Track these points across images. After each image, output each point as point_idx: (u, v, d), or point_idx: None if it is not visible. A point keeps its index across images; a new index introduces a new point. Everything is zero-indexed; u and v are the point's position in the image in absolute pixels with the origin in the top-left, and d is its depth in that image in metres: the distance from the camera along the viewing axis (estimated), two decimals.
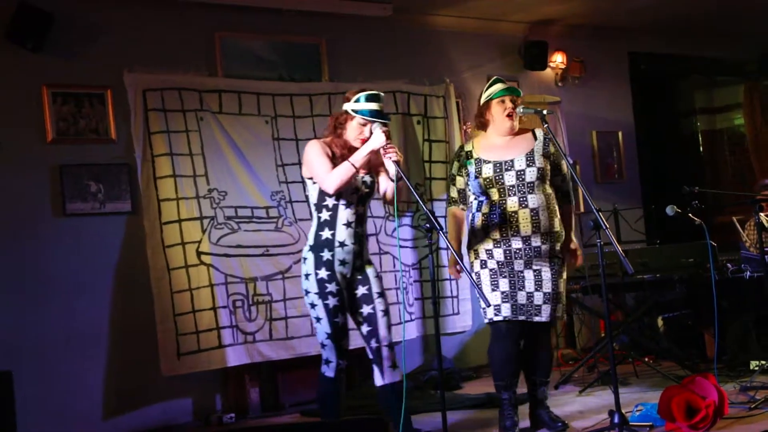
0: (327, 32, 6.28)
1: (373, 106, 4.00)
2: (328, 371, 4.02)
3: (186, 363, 5.39)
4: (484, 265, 4.29)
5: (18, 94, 5.21)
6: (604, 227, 3.95)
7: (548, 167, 4.34)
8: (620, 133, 7.90)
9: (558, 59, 7.41)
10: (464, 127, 6.81)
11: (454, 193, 4.48)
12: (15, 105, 5.20)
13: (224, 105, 5.72)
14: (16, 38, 5.13)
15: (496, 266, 4.26)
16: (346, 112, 4.04)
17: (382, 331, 4.05)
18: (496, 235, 4.26)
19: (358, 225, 4.02)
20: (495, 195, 4.27)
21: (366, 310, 4.06)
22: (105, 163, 5.40)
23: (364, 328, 4.07)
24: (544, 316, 4.30)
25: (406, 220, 6.41)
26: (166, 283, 5.40)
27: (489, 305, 4.20)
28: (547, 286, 4.29)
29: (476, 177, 4.31)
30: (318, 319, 3.99)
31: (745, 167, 8.90)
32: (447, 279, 6.55)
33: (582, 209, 7.24)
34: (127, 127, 5.42)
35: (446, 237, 3.97)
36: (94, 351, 5.29)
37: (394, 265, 6.17)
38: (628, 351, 5.99)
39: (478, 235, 4.32)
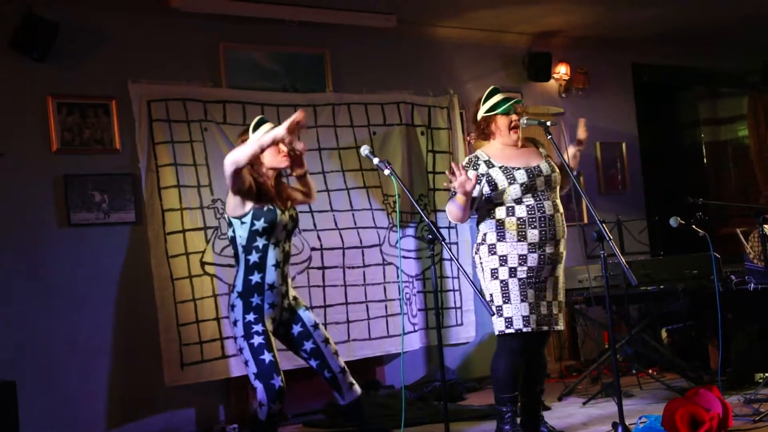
0: (331, 43, 6.30)
1: (269, 125, 4.02)
2: (261, 414, 3.93)
3: (189, 373, 5.39)
4: (513, 273, 4.24)
5: (23, 104, 5.22)
6: (608, 239, 3.96)
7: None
8: (624, 145, 7.90)
9: (562, 70, 7.42)
10: (468, 138, 6.82)
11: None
12: (20, 115, 5.22)
13: (228, 115, 5.74)
14: (22, 48, 5.15)
15: (525, 275, 4.23)
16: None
17: (331, 361, 4.10)
18: (535, 238, 4.22)
19: (285, 264, 4.03)
20: (529, 200, 4.25)
21: (308, 345, 4.08)
22: (109, 173, 5.41)
23: (313, 363, 4.11)
24: (561, 325, 4.34)
25: (409, 231, 6.41)
26: (170, 293, 5.41)
27: (493, 314, 4.20)
28: (561, 295, 4.34)
29: (511, 183, 4.25)
30: (246, 363, 3.94)
31: (749, 179, 8.89)
32: (450, 290, 6.54)
33: (586, 221, 7.24)
34: (132, 138, 5.44)
35: (447, 246, 3.88)
36: (98, 361, 5.29)
37: (398, 276, 6.17)
38: (632, 362, 5.98)
39: (509, 240, 4.25)
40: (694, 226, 5.08)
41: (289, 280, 4.11)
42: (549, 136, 4.31)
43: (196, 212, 5.52)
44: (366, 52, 6.49)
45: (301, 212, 5.79)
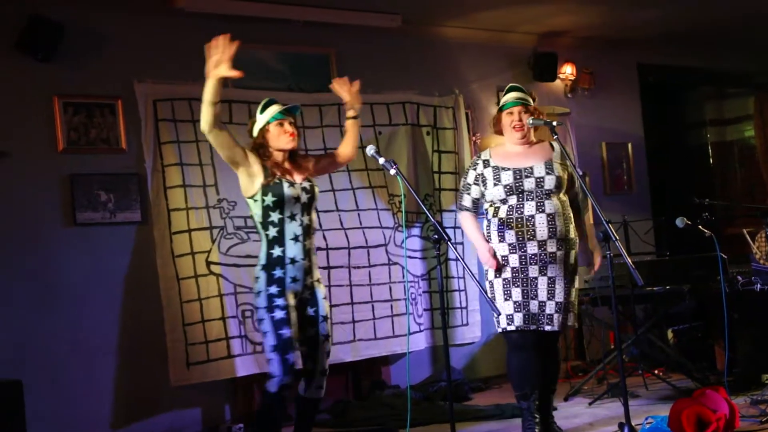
0: (336, 43, 6.30)
1: (276, 107, 4.08)
2: (271, 386, 3.95)
3: (195, 373, 5.39)
4: (498, 273, 4.28)
5: (29, 105, 5.23)
6: (614, 239, 3.95)
7: (566, 177, 4.37)
8: (630, 145, 7.89)
9: (567, 71, 7.41)
10: (473, 138, 6.81)
11: (467, 202, 4.46)
12: (26, 115, 5.22)
13: (234, 115, 5.74)
14: (28, 49, 5.16)
15: (510, 275, 4.25)
16: (260, 130, 4.08)
17: (321, 357, 4.08)
18: (512, 239, 4.25)
19: (306, 238, 4.03)
20: (513, 200, 4.28)
21: (310, 331, 4.08)
22: (115, 172, 5.42)
23: (304, 348, 4.09)
24: (555, 326, 4.29)
25: (415, 231, 6.40)
26: (176, 292, 5.41)
27: (499, 314, 4.20)
28: (560, 296, 4.28)
29: (495, 184, 4.30)
30: (264, 333, 3.96)
31: (756, 179, 8.88)
32: (456, 290, 6.54)
33: (592, 221, 7.22)
34: (138, 137, 5.45)
35: (453, 246, 3.89)
36: (104, 360, 5.30)
37: (403, 276, 6.17)
38: (638, 363, 5.96)
39: (492, 241, 4.31)
40: (700, 227, 5.07)
41: (314, 257, 4.09)
42: (555, 136, 4.31)
43: (201, 212, 5.52)
44: (371, 52, 6.49)
45: None
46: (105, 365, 5.30)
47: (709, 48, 8.08)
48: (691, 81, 8.85)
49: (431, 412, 5.45)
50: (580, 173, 4.29)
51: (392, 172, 3.88)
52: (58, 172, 5.27)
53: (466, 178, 4.48)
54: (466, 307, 6.57)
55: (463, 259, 4.16)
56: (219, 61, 3.82)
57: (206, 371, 5.42)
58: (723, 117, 9.34)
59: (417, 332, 6.22)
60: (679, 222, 5.09)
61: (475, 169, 4.43)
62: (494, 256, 4.28)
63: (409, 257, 6.31)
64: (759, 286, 5.39)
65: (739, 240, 6.21)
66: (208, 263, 5.49)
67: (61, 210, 5.27)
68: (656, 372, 5.97)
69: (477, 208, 4.46)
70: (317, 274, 4.13)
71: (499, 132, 4.49)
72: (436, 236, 3.80)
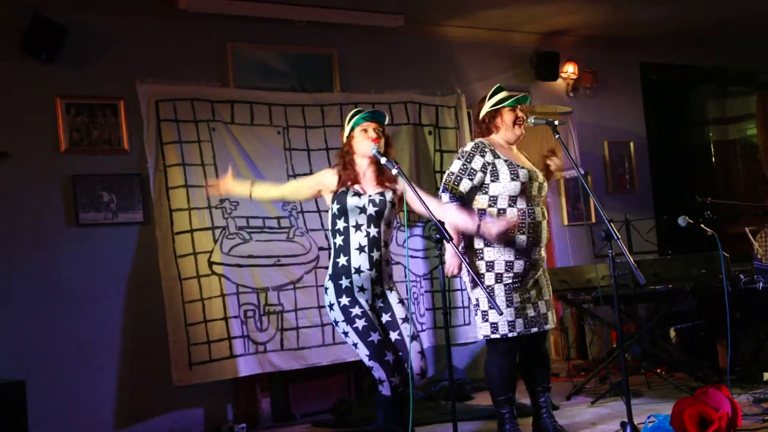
0: (338, 43, 6.30)
1: (363, 114, 4.14)
2: (384, 390, 3.99)
3: (197, 373, 5.40)
4: (499, 279, 4.21)
5: (32, 105, 5.24)
6: (616, 238, 3.95)
7: None
8: (632, 144, 7.89)
9: (569, 70, 7.41)
10: (475, 137, 6.81)
11: (464, 188, 4.23)
12: (29, 116, 5.24)
13: (236, 115, 5.75)
14: (31, 50, 5.17)
15: (511, 281, 4.21)
16: (347, 137, 4.15)
17: (414, 357, 4.04)
18: (522, 245, 4.20)
19: (373, 249, 4.02)
20: (523, 204, 4.23)
21: (393, 336, 4.08)
22: (118, 173, 5.43)
23: (391, 354, 4.08)
24: (551, 323, 4.32)
25: (417, 231, 6.41)
26: (178, 293, 5.42)
27: (501, 314, 4.18)
28: (546, 294, 4.34)
29: (513, 179, 4.19)
30: (355, 345, 4.00)
31: (758, 177, 8.87)
32: (458, 289, 6.54)
33: (594, 220, 7.23)
34: (140, 138, 5.46)
35: (454, 245, 3.87)
36: (107, 361, 5.31)
37: (405, 276, 6.16)
38: (641, 362, 5.96)
39: (496, 245, 4.20)
40: (702, 225, 5.07)
41: (385, 268, 4.08)
42: (557, 136, 4.29)
43: (204, 212, 5.53)
44: (374, 52, 6.49)
45: (307, 212, 5.84)
46: (107, 365, 5.31)
47: (711, 47, 8.07)
48: (693, 80, 8.84)
49: (434, 411, 5.46)
50: (582, 172, 4.26)
51: (394, 171, 3.89)
52: (61, 172, 5.28)
53: (469, 163, 4.23)
54: (468, 307, 6.57)
55: (465, 259, 4.16)
56: (218, 190, 4.26)
57: (209, 371, 5.42)
58: (725, 116, 9.32)
59: (419, 332, 6.21)
60: (682, 221, 5.09)
61: (483, 156, 4.22)
62: (505, 222, 4.05)
63: (411, 257, 6.31)
64: (761, 284, 5.39)
65: (742, 238, 6.21)
66: (211, 263, 5.50)
67: (63, 210, 5.28)
68: (659, 371, 5.97)
69: (468, 199, 4.27)
70: (388, 283, 4.12)
71: (488, 132, 4.35)
72: (438, 236, 3.80)
